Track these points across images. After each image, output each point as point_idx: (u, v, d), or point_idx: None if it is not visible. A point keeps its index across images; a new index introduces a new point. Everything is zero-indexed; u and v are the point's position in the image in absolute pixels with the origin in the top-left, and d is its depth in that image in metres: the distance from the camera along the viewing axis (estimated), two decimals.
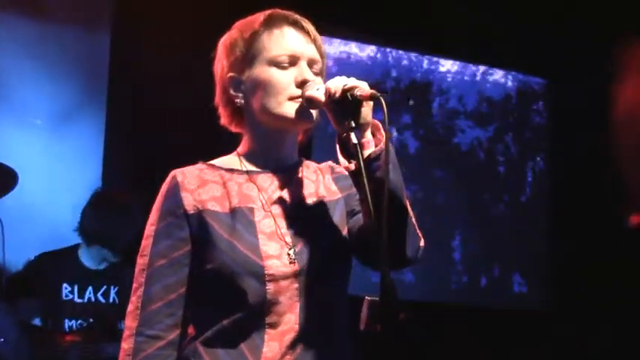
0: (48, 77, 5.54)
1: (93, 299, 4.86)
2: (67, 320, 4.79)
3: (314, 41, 2.28)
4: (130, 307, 2.18)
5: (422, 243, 2.22)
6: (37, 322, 4.81)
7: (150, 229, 2.21)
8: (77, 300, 4.84)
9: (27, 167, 4.57)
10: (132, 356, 2.12)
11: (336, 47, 6.72)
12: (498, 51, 7.11)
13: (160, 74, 5.58)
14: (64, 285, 4.84)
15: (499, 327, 6.56)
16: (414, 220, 2.18)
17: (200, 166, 2.28)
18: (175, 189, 2.20)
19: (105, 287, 4.88)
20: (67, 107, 5.63)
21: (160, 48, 5.62)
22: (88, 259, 4.94)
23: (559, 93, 7.43)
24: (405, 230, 2.13)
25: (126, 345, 2.15)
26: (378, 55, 6.96)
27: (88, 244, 4.91)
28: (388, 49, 6.99)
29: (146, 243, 2.20)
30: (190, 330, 2.20)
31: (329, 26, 2.41)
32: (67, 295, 4.84)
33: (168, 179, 2.23)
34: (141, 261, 2.20)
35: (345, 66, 6.64)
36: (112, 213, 4.79)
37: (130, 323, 2.16)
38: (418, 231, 2.21)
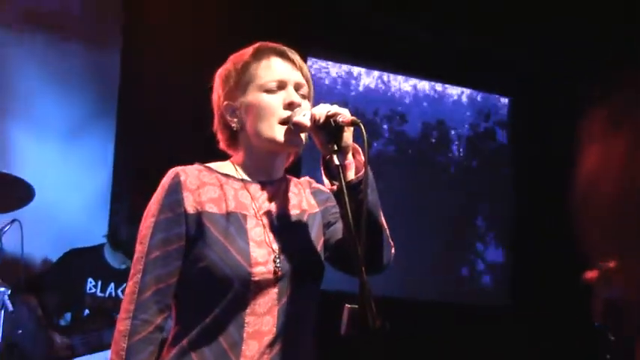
0: (63, 91, 5.51)
1: (113, 294, 4.87)
2: (87, 311, 4.79)
3: (300, 69, 2.30)
4: (127, 290, 2.20)
5: (393, 251, 2.31)
6: (62, 322, 4.80)
7: (149, 220, 2.21)
8: (99, 294, 4.85)
9: (44, 173, 4.58)
10: (127, 337, 2.14)
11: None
12: (460, 69, 7.07)
13: (166, 87, 5.58)
14: (89, 279, 4.85)
15: (465, 322, 6.53)
16: (387, 232, 2.26)
17: (198, 167, 2.28)
18: (177, 187, 2.20)
19: (124, 285, 4.87)
20: (80, 118, 5.61)
21: (167, 63, 5.60)
22: (112, 259, 4.97)
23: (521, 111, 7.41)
24: (381, 243, 2.22)
25: (122, 326, 2.16)
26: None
27: (114, 249, 4.93)
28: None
29: (145, 233, 2.21)
30: (176, 331, 2.22)
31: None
32: (90, 289, 4.85)
33: (170, 175, 2.23)
34: (139, 248, 2.21)
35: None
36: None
37: (126, 306, 2.18)
38: (390, 241, 2.29)
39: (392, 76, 7.03)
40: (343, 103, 2.18)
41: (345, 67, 6.83)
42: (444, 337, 6.26)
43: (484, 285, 7.17)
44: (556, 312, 6.63)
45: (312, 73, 2.43)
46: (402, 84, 7.06)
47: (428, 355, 5.92)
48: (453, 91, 7.27)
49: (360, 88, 6.87)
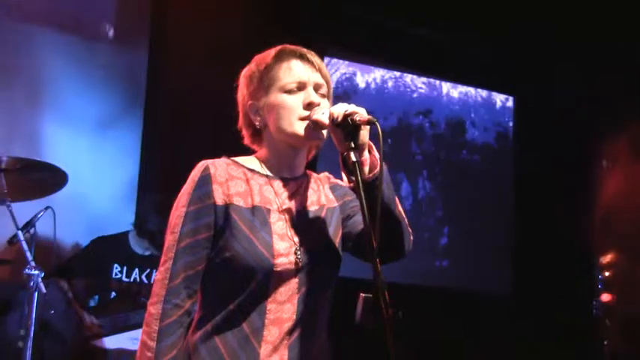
0: (93, 87, 5.54)
1: (138, 279, 4.89)
2: (113, 294, 4.82)
3: (319, 70, 2.30)
4: (158, 276, 2.20)
5: (411, 237, 2.32)
6: (91, 303, 4.82)
7: (181, 210, 2.21)
8: (125, 279, 4.87)
9: (75, 163, 4.58)
10: (159, 320, 2.14)
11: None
12: (465, 68, 7.04)
13: (191, 83, 5.59)
14: (115, 265, 4.87)
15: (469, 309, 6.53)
16: (406, 221, 2.28)
17: (226, 160, 2.29)
18: (207, 179, 2.20)
19: (148, 270, 4.91)
20: (109, 112, 5.63)
21: (192, 60, 5.61)
22: (136, 246, 4.99)
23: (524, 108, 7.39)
24: (401, 232, 2.26)
25: (154, 310, 2.16)
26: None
27: (140, 236, 4.95)
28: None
29: (176, 222, 2.21)
30: (201, 315, 2.23)
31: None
32: (116, 274, 4.87)
33: (200, 168, 2.23)
34: (170, 237, 2.21)
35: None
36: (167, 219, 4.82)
37: (158, 290, 2.18)
38: (409, 229, 2.30)
39: (397, 73, 7.00)
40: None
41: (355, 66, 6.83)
42: (449, 324, 6.26)
43: (487, 272, 7.16)
44: (556, 299, 6.64)
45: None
46: (410, 81, 7.04)
47: (431, 339, 5.92)
48: (460, 89, 7.25)
49: (371, 85, 6.86)
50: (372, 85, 6.87)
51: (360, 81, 6.82)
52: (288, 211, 2.26)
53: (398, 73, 7.00)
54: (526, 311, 6.66)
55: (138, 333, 4.55)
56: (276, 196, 2.26)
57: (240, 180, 2.24)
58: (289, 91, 2.24)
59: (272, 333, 2.15)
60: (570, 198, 6.83)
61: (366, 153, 2.14)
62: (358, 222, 2.33)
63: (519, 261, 7.11)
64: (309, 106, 2.22)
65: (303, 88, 2.25)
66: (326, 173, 2.47)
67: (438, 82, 7.17)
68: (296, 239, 2.21)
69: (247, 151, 2.39)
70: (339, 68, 6.69)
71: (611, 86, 6.43)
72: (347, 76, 6.76)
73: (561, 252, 6.76)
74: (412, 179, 6.90)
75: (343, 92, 6.61)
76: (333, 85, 2.38)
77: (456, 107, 7.23)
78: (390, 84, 6.95)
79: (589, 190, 6.99)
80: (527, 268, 6.97)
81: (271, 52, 2.32)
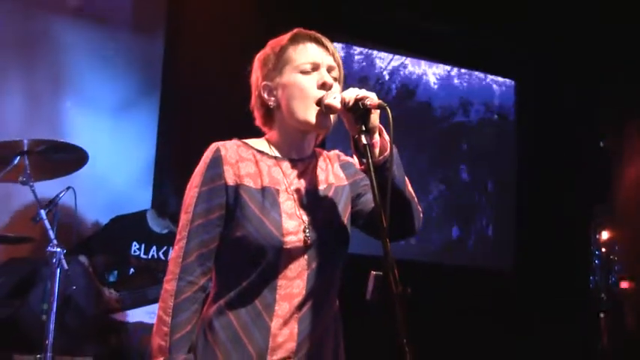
0: (112, 72, 5.53)
1: (155, 256, 4.89)
2: (132, 270, 4.82)
3: (332, 54, 2.29)
4: (173, 255, 2.21)
5: (421, 215, 2.31)
6: (111, 279, 4.82)
7: (193, 190, 2.20)
8: (143, 256, 4.88)
9: (95, 145, 4.56)
10: (174, 297, 2.14)
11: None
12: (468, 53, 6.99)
13: (205, 68, 5.57)
14: (134, 243, 4.88)
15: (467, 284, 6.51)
16: (415, 200, 2.27)
17: (236, 142, 2.27)
18: (219, 161, 2.19)
19: (166, 248, 4.91)
20: (127, 96, 5.63)
21: (206, 46, 5.59)
22: (154, 224, 4.99)
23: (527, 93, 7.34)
24: (411, 212, 2.25)
25: (169, 286, 2.17)
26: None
27: (159, 216, 4.95)
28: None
29: (189, 202, 2.20)
30: (216, 291, 2.23)
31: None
32: (135, 252, 4.87)
33: (212, 150, 2.22)
34: (184, 217, 2.21)
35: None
36: None
37: (172, 268, 2.18)
38: (419, 207, 2.30)
39: (404, 58, 6.96)
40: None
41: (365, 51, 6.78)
42: (451, 299, 6.24)
43: (488, 249, 7.14)
44: (555, 276, 6.63)
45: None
46: (415, 66, 7.00)
47: (432, 315, 5.90)
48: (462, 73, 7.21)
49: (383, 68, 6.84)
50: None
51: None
52: (297, 190, 2.24)
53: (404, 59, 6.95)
54: (527, 287, 6.64)
55: (155, 307, 4.55)
56: (284, 177, 2.25)
57: (249, 161, 2.23)
58: (303, 72, 2.23)
59: (282, 308, 2.15)
60: (571, 176, 6.83)
61: (376, 136, 2.12)
62: (369, 200, 2.31)
63: (519, 236, 7.08)
64: (323, 86, 2.21)
65: (316, 69, 2.24)
66: (336, 151, 2.46)
67: (441, 66, 7.11)
68: (305, 218, 2.20)
69: (258, 135, 2.36)
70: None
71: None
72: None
73: (562, 230, 6.75)
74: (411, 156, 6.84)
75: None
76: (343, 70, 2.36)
77: (458, 89, 7.19)
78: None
79: (591, 169, 6.99)
80: (529, 245, 6.95)
81: (286, 36, 2.30)
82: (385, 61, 6.86)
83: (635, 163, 6.76)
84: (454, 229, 7.00)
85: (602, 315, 6.84)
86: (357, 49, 6.74)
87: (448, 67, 7.13)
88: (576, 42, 6.61)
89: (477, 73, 7.27)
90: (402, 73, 6.93)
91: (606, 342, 6.71)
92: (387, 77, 6.85)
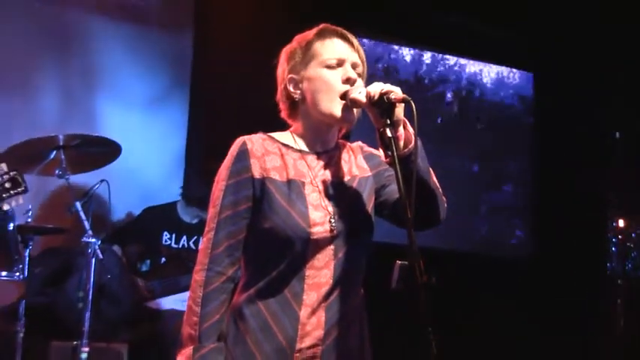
0: (144, 68, 5.54)
1: (186, 246, 4.90)
2: (163, 259, 4.83)
3: (357, 50, 2.27)
4: (202, 246, 2.20)
5: (445, 205, 2.30)
6: (143, 268, 4.83)
7: (221, 184, 2.19)
8: (174, 245, 4.89)
9: (127, 139, 4.59)
10: (203, 287, 2.13)
11: None
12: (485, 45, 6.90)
13: (233, 64, 5.56)
14: (165, 232, 4.89)
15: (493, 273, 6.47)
16: (440, 190, 2.25)
17: (262, 135, 2.26)
18: (246, 154, 2.17)
19: (196, 237, 4.93)
20: (158, 91, 5.64)
21: (233, 42, 5.59)
22: (184, 214, 5.00)
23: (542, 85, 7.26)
24: (436, 202, 2.23)
25: (198, 277, 2.16)
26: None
27: (187, 205, 4.96)
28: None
29: (217, 195, 2.20)
30: (245, 280, 2.21)
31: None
32: (166, 241, 4.89)
33: (238, 144, 2.20)
34: (212, 209, 2.20)
35: None
36: (210, 184, 4.84)
37: (202, 259, 2.17)
38: (443, 197, 2.28)
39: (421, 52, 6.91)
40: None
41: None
42: (474, 287, 6.21)
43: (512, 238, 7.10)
44: (576, 263, 6.59)
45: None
46: (431, 59, 6.95)
47: (455, 303, 5.87)
48: (479, 66, 7.14)
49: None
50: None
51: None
52: (322, 182, 2.23)
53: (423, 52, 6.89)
54: (546, 274, 6.59)
55: (187, 295, 4.58)
56: (309, 170, 2.23)
57: (275, 155, 2.21)
58: (329, 66, 2.21)
59: (310, 297, 2.13)
60: (591, 164, 6.77)
61: (401, 129, 2.10)
62: (394, 191, 2.28)
63: (539, 225, 7.03)
64: (347, 81, 2.19)
65: (341, 65, 2.22)
66: (359, 143, 2.43)
67: (456, 59, 7.04)
68: (330, 209, 2.19)
69: (283, 128, 2.34)
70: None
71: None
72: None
73: (580, 219, 6.70)
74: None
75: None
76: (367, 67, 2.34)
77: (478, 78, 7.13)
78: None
79: (606, 160, 6.93)
80: (547, 232, 6.90)
81: (313, 30, 2.29)
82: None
83: None
84: (475, 218, 6.96)
85: (619, 301, 6.80)
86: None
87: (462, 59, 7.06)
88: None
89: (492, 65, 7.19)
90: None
91: (622, 327, 6.68)
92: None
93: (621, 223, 7.03)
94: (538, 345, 6.14)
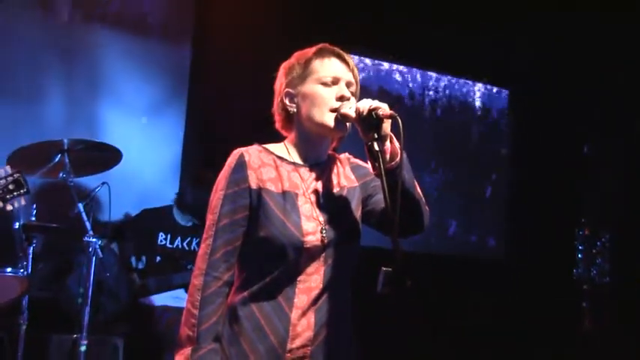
0: (144, 77, 5.52)
1: (180, 246, 4.89)
2: (158, 257, 4.82)
3: (352, 70, 2.29)
4: (201, 252, 2.19)
5: (428, 214, 2.30)
6: (139, 266, 4.82)
7: (219, 193, 2.19)
8: (169, 246, 4.88)
9: (128, 144, 4.59)
10: (201, 291, 2.13)
11: None
12: (464, 62, 6.87)
13: (230, 73, 5.53)
14: (160, 233, 4.88)
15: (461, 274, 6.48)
16: (423, 200, 2.27)
17: (257, 147, 2.27)
18: (243, 165, 2.18)
19: (189, 239, 4.91)
20: (157, 99, 5.61)
21: (231, 52, 5.55)
22: (179, 217, 4.99)
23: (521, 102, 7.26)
24: (420, 211, 2.25)
25: (196, 281, 2.16)
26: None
27: (179, 210, 4.96)
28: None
29: (215, 203, 2.19)
30: (239, 284, 2.22)
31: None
32: (161, 241, 4.88)
33: (236, 156, 2.21)
34: (211, 217, 2.19)
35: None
36: (204, 190, 4.82)
37: (200, 265, 2.17)
38: (426, 207, 2.29)
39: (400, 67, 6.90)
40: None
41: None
42: (446, 288, 6.22)
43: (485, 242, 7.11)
44: (545, 268, 6.61)
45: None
46: (412, 75, 6.95)
47: (430, 303, 5.88)
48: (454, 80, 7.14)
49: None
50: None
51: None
52: (314, 194, 2.24)
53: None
54: (516, 278, 6.62)
55: (180, 292, 4.61)
56: (302, 181, 2.24)
57: (270, 167, 2.22)
58: (325, 83, 2.22)
59: (301, 300, 2.15)
60: (560, 179, 6.80)
61: (387, 143, 2.12)
62: (380, 200, 2.28)
63: (512, 232, 7.05)
64: (341, 98, 2.21)
65: (336, 83, 2.23)
66: (347, 154, 2.44)
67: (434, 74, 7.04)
68: (321, 219, 2.20)
69: (278, 136, 2.35)
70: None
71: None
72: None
73: (550, 227, 6.73)
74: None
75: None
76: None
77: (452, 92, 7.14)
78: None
79: (575, 173, 6.97)
80: (519, 240, 6.92)
81: (312, 49, 2.30)
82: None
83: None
84: (451, 223, 6.96)
85: (584, 304, 6.85)
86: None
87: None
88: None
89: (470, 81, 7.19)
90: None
91: (588, 328, 6.74)
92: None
93: (587, 232, 7.08)
94: (509, 345, 6.16)
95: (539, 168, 6.86)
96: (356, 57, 6.35)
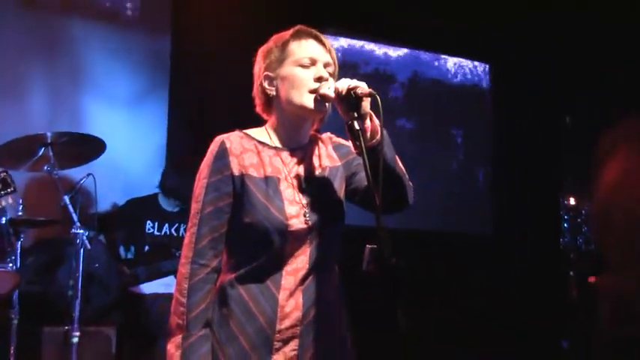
0: (125, 68, 5.49)
1: (168, 233, 4.88)
2: (147, 246, 4.80)
3: (329, 51, 2.27)
4: (186, 241, 2.18)
5: (412, 189, 2.30)
6: (128, 255, 4.80)
7: (203, 181, 2.18)
8: (156, 233, 4.86)
9: (112, 135, 4.58)
10: (189, 279, 2.13)
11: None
12: (443, 38, 6.86)
13: (210, 62, 5.51)
14: (147, 222, 4.86)
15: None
16: (407, 176, 2.26)
17: (239, 133, 2.25)
18: (224, 152, 2.17)
19: (177, 224, 4.89)
20: (140, 90, 5.58)
21: (210, 42, 5.55)
22: (165, 204, 4.98)
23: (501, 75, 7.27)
24: (404, 187, 2.24)
25: (184, 270, 2.15)
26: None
27: (166, 197, 4.93)
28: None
29: (199, 192, 2.18)
30: (227, 267, 2.21)
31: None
32: (149, 230, 4.86)
33: (217, 143, 2.19)
34: (195, 206, 2.18)
35: None
36: (185, 175, 4.80)
37: (186, 253, 2.16)
38: (410, 183, 2.28)
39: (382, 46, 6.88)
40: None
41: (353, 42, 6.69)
42: (437, 264, 6.24)
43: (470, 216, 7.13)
44: (530, 238, 6.65)
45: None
46: (395, 52, 6.92)
47: (422, 278, 5.89)
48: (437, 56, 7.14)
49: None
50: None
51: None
52: (296, 177, 2.23)
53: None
54: (505, 251, 6.65)
55: (170, 279, 4.59)
56: (284, 166, 2.23)
57: (252, 152, 2.21)
58: (302, 65, 2.20)
59: (288, 281, 2.15)
60: (544, 150, 6.82)
61: (367, 121, 2.11)
62: (363, 178, 2.28)
63: (500, 205, 7.08)
64: (319, 79, 2.18)
65: (314, 64, 2.21)
66: (329, 134, 2.43)
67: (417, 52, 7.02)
68: (304, 202, 2.20)
69: (259, 122, 2.33)
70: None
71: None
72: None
73: (536, 198, 6.76)
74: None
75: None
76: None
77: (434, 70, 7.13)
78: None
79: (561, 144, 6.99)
80: (507, 212, 6.95)
81: (289, 31, 2.28)
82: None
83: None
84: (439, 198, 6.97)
85: (571, 273, 6.88)
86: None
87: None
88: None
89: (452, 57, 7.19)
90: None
91: (575, 296, 6.77)
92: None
93: (572, 201, 7.09)
94: (498, 314, 6.21)
95: (522, 143, 6.88)
96: (331, 37, 6.32)
